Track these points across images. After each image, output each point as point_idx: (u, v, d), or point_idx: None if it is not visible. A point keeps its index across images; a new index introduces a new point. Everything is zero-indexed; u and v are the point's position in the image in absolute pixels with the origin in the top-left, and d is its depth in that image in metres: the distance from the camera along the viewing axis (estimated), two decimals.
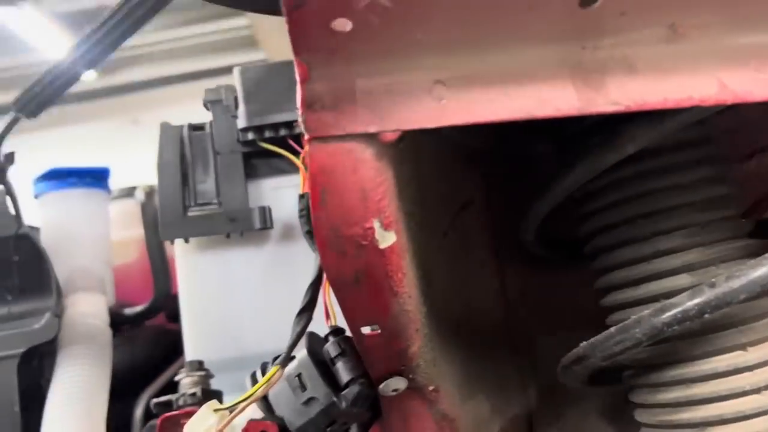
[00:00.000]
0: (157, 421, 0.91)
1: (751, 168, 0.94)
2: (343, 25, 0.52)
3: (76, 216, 1.25)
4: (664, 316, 0.64)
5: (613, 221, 0.76)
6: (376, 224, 0.57)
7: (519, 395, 0.98)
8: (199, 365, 0.95)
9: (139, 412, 1.29)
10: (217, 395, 0.94)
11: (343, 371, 0.78)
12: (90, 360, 1.09)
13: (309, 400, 0.77)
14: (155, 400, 0.97)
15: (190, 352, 1.04)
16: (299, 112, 0.55)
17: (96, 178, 1.28)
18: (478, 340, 0.93)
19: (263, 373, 0.81)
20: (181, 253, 1.06)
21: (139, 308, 1.38)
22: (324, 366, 0.80)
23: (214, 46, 7.30)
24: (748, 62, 0.55)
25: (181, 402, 0.91)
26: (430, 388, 0.82)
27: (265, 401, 0.81)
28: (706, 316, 0.63)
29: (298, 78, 0.54)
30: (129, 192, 1.52)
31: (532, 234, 0.84)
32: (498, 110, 0.55)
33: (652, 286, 0.73)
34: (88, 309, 1.19)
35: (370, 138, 0.55)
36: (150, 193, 1.41)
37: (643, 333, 0.65)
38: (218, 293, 1.05)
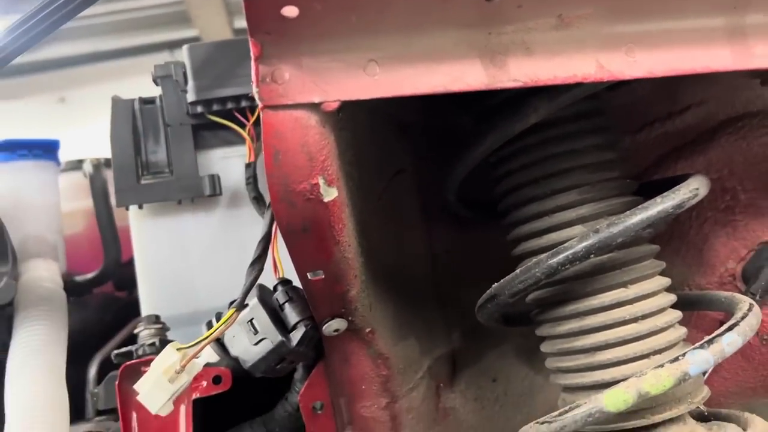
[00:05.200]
0: (117, 371, 0.99)
1: (641, 138, 1.09)
2: (291, 11, 0.62)
3: (27, 186, 1.30)
4: (558, 258, 0.78)
5: (521, 182, 0.89)
6: (321, 181, 0.68)
7: (444, 338, 1.11)
8: (156, 319, 1.03)
9: (92, 372, 1.35)
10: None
11: (291, 314, 0.89)
12: (47, 321, 1.15)
13: (260, 341, 0.88)
14: (116, 351, 1.05)
15: (147, 310, 1.12)
16: (253, 84, 0.65)
17: (45, 150, 1.32)
18: (409, 290, 1.05)
19: (217, 321, 0.91)
20: (135, 218, 1.13)
21: (89, 275, 1.44)
22: (273, 312, 0.90)
23: (146, 22, 7.10)
24: (621, 47, 0.69)
25: (140, 352, 0.99)
26: (367, 330, 0.94)
27: (219, 344, 0.91)
28: (592, 256, 0.77)
29: (252, 55, 0.64)
30: (76, 165, 1.56)
31: (453, 195, 0.97)
32: (420, 85, 0.66)
33: (552, 236, 0.87)
34: (43, 274, 1.24)
35: (315, 107, 0.66)
36: (98, 165, 1.46)
37: (541, 272, 0.79)
38: (171, 255, 1.13)
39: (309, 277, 0.79)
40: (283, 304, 0.89)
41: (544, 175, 0.87)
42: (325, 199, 0.69)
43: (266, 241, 0.86)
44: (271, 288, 0.93)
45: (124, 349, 1.03)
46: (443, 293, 1.11)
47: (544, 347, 0.91)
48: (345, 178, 0.75)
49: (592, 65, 0.68)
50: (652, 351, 0.82)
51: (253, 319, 0.88)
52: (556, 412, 0.80)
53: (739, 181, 1.02)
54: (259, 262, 0.84)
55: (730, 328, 0.75)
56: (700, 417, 0.88)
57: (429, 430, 1.09)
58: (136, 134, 1.12)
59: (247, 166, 1.12)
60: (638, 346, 0.83)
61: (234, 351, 0.88)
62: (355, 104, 0.67)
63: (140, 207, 1.12)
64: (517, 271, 0.81)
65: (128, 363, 0.99)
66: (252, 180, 1.11)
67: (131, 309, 1.64)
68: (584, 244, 0.77)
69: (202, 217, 1.14)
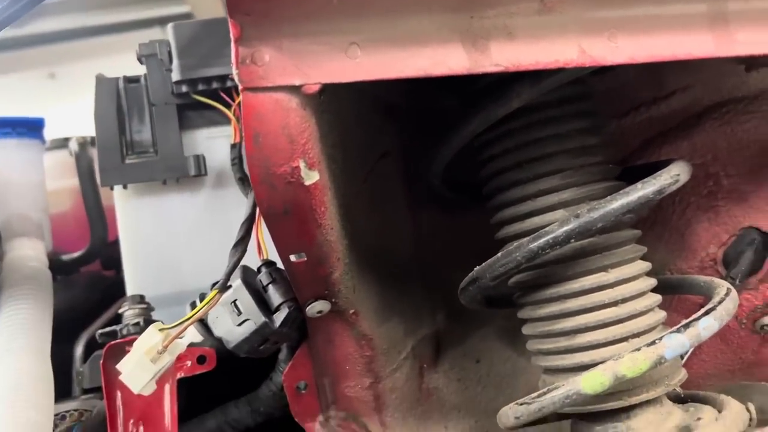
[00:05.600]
0: (102, 350, 1.00)
1: (626, 123, 1.09)
2: None
3: (10, 165, 1.29)
4: (538, 242, 0.78)
5: (505, 166, 0.90)
6: (302, 164, 0.68)
7: (429, 319, 1.12)
8: (141, 298, 1.04)
9: (79, 351, 1.36)
10: None
11: (274, 296, 0.89)
12: (32, 300, 1.15)
13: (243, 322, 0.88)
14: (100, 331, 1.05)
15: (131, 290, 1.12)
16: (233, 66, 0.64)
17: (30, 128, 1.32)
18: (394, 272, 1.06)
19: (201, 301, 0.91)
20: (120, 198, 1.13)
21: (76, 254, 1.44)
22: (257, 293, 0.91)
23: None
24: (603, 32, 0.69)
25: (125, 331, 1.00)
26: (351, 311, 0.95)
27: (203, 324, 0.92)
28: (572, 241, 0.78)
29: (232, 37, 0.64)
30: (62, 143, 1.55)
31: (439, 178, 0.97)
32: (402, 68, 0.66)
33: (535, 219, 0.87)
34: (28, 252, 1.24)
35: (295, 90, 0.65)
36: (84, 144, 1.45)
37: (522, 256, 0.79)
38: (156, 235, 1.13)
39: (292, 260, 0.79)
40: (267, 285, 0.90)
41: (527, 159, 0.87)
42: (306, 183, 0.69)
43: (249, 222, 0.86)
44: (255, 269, 0.93)
45: (108, 329, 1.03)
46: (428, 275, 1.11)
47: (526, 329, 0.92)
48: (327, 161, 0.75)
49: (574, 50, 0.67)
50: (631, 334, 0.83)
51: (236, 300, 0.89)
52: (535, 394, 0.81)
53: (722, 166, 1.03)
54: (242, 243, 0.85)
55: (706, 313, 0.76)
56: (677, 399, 0.89)
57: (412, 410, 1.10)
58: (121, 113, 1.11)
59: (233, 146, 1.12)
60: (617, 330, 0.84)
61: (217, 332, 0.89)
62: (338, 87, 0.67)
63: (125, 187, 1.12)
64: (498, 255, 0.82)
65: (112, 342, 0.99)
66: (237, 160, 1.11)
67: (118, 288, 1.64)
68: (564, 228, 0.77)
69: (187, 197, 1.14)
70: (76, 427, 1.16)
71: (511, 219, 0.90)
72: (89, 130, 1.61)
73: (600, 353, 0.83)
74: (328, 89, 0.67)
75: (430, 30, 0.66)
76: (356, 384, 1.03)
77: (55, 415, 1.18)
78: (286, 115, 0.66)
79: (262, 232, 0.94)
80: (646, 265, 0.88)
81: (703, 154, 1.04)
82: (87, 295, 1.49)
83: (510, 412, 0.84)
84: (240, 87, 0.64)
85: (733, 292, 0.81)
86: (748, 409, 0.83)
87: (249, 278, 0.92)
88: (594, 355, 0.84)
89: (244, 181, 1.11)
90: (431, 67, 0.66)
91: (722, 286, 0.84)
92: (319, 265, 0.82)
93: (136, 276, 1.13)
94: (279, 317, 0.88)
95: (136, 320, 0.99)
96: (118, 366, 0.82)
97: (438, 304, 1.12)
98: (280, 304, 0.88)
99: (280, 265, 0.97)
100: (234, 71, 0.64)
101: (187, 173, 1.10)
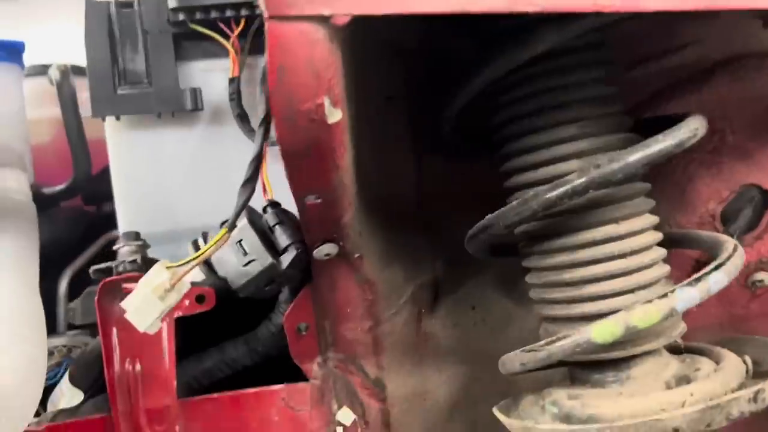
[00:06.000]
0: (96, 287, 0.97)
1: (636, 74, 1.07)
2: None
3: None
4: (557, 191, 0.77)
5: (520, 113, 0.88)
6: (326, 101, 0.65)
7: (428, 266, 1.11)
8: (136, 235, 1.01)
9: (63, 287, 1.33)
10: (154, 262, 1.01)
11: (281, 237, 0.87)
12: (18, 234, 1.11)
13: (249, 263, 0.87)
14: (94, 267, 1.02)
15: (124, 226, 1.09)
16: None
17: (9, 51, 1.24)
18: (397, 217, 1.04)
19: (205, 240, 0.89)
20: (112, 130, 1.08)
21: (58, 188, 1.39)
22: (263, 234, 0.89)
23: None
24: None
25: (120, 268, 0.97)
26: (356, 255, 0.94)
27: (206, 263, 0.90)
28: (591, 191, 0.77)
29: None
30: (40, 70, 1.47)
31: (451, 122, 0.95)
32: (438, 3, 0.63)
33: (549, 169, 0.86)
34: (11, 185, 1.19)
35: (324, 20, 0.62)
36: (65, 72, 1.38)
37: (538, 205, 0.79)
38: (150, 170, 1.09)
39: (305, 202, 0.77)
40: (274, 226, 0.88)
41: (543, 106, 0.85)
42: (330, 121, 0.67)
43: (258, 161, 0.84)
44: (261, 209, 0.91)
45: (103, 265, 1.00)
46: (429, 222, 1.10)
47: (530, 278, 0.93)
48: (348, 100, 0.72)
49: None
50: (637, 286, 0.84)
51: (242, 240, 0.87)
52: (543, 342, 0.82)
53: (728, 122, 1.03)
54: (250, 182, 0.82)
55: (716, 268, 0.77)
56: (675, 350, 0.91)
57: (408, 354, 1.11)
58: (113, 40, 1.06)
59: (231, 81, 1.07)
60: (625, 281, 0.84)
61: (222, 271, 0.87)
62: (360, 22, 0.63)
63: (117, 118, 1.07)
64: (514, 203, 0.81)
65: (108, 279, 0.97)
66: (236, 96, 1.07)
67: (100, 224, 1.60)
68: (584, 179, 0.76)
69: (182, 132, 1.10)
70: (65, 363, 1.15)
71: (523, 167, 0.89)
72: (61, 58, 1.55)
73: (607, 304, 0.84)
74: (354, 23, 0.64)
75: None
76: (356, 327, 1.04)
77: None
78: (313, 48, 0.62)
79: (266, 173, 0.91)
80: (654, 219, 0.88)
81: (711, 110, 1.03)
82: (69, 231, 1.45)
83: (516, 359, 0.85)
84: (265, 14, 0.60)
85: (740, 249, 0.82)
86: (744, 362, 0.85)
87: (254, 218, 0.89)
88: (601, 306, 0.84)
89: (242, 118, 1.08)
90: (468, 3, 0.63)
91: (729, 242, 0.84)
92: (331, 208, 0.80)
93: (129, 212, 1.09)
94: (286, 258, 0.86)
95: (132, 257, 0.96)
96: (123, 304, 0.80)
97: (438, 251, 1.12)
98: (288, 246, 0.87)
99: (284, 206, 0.95)
100: None
101: (183, 107, 1.06)
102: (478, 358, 1.15)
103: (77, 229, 1.50)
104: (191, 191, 1.10)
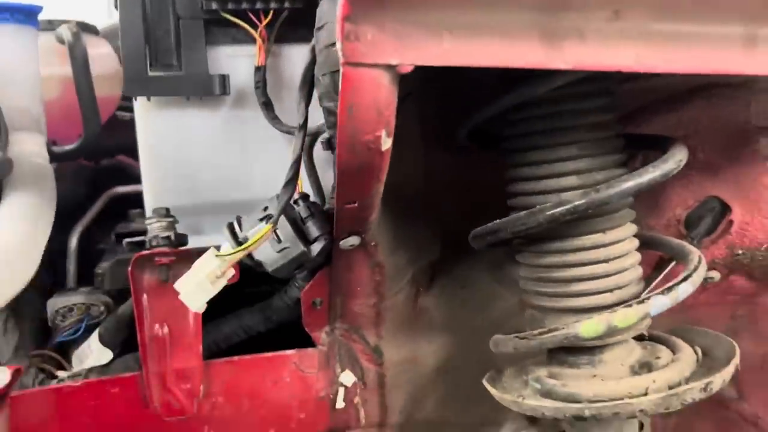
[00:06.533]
0: (124, 255, 1.06)
1: (625, 89, 1.19)
2: None
3: (9, 53, 1.24)
4: (560, 209, 0.90)
5: (530, 131, 0.99)
6: (384, 133, 0.75)
7: (428, 250, 1.24)
8: (167, 211, 1.09)
9: (73, 243, 1.39)
10: (184, 238, 1.10)
11: (312, 229, 0.98)
12: (39, 200, 1.16)
13: (283, 249, 0.97)
14: (128, 240, 1.10)
15: (150, 200, 1.16)
16: (338, 41, 0.69)
17: (27, 14, 1.26)
18: (404, 206, 1.15)
19: (239, 224, 0.99)
20: (142, 109, 1.14)
21: (69, 147, 1.42)
22: (294, 223, 0.99)
23: None
24: (658, 43, 0.78)
25: (153, 243, 1.06)
26: (372, 243, 1.06)
27: (238, 243, 0.99)
28: (590, 211, 0.90)
29: (340, 13, 0.68)
30: (47, 26, 1.48)
31: (466, 132, 1.05)
32: (485, 57, 0.73)
33: (550, 182, 0.98)
34: (32, 148, 1.23)
35: (390, 68, 0.71)
36: (77, 33, 1.39)
37: (544, 218, 0.91)
38: (175, 148, 1.16)
39: (344, 206, 0.88)
40: (306, 218, 0.98)
41: (551, 127, 0.97)
42: (383, 149, 0.77)
43: (297, 163, 0.93)
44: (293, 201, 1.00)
45: (136, 239, 1.08)
46: (431, 210, 1.22)
47: (523, 271, 1.06)
48: None
49: (631, 57, 0.76)
50: (616, 286, 0.98)
51: (277, 229, 0.96)
52: (536, 331, 0.96)
53: (700, 141, 1.17)
54: (292, 183, 0.91)
55: (684, 279, 0.93)
56: (639, 337, 1.07)
57: (404, 326, 1.25)
58: (146, 24, 1.10)
59: (257, 69, 1.14)
60: (606, 282, 0.98)
61: (258, 256, 0.97)
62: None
63: (148, 99, 1.13)
64: (522, 214, 0.94)
65: (142, 253, 1.06)
66: (261, 84, 1.14)
67: (100, 179, 1.65)
68: (585, 200, 0.89)
69: (207, 114, 1.16)
70: (85, 319, 1.23)
71: (528, 177, 1.01)
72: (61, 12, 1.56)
73: (589, 300, 0.98)
74: None
75: (515, 25, 0.73)
76: (363, 302, 1.16)
77: (63, 307, 1.24)
78: (378, 91, 0.72)
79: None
80: (634, 228, 1.02)
81: (687, 128, 1.18)
82: (75, 188, 1.50)
83: (510, 343, 1.00)
84: (341, 61, 0.69)
85: (703, 260, 0.98)
86: (695, 352, 1.02)
87: (287, 209, 0.99)
88: (584, 302, 0.99)
89: (267, 106, 1.15)
90: (511, 59, 0.73)
91: (695, 253, 1.00)
92: (365, 210, 0.91)
93: (155, 186, 1.16)
94: (316, 248, 0.97)
95: (165, 233, 1.05)
96: (177, 285, 0.90)
97: (436, 237, 1.25)
98: (318, 237, 0.97)
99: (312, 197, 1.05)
100: (338, 45, 0.69)
101: (212, 92, 1.13)
102: (463, 331, 1.30)
103: (80, 186, 1.55)
104: (212, 169, 1.18)
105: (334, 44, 0.80)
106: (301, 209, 0.99)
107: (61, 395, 1.06)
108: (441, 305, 1.27)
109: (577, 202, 0.90)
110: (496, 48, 0.73)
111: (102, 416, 1.08)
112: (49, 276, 1.40)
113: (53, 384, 1.09)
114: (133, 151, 1.77)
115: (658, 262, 1.23)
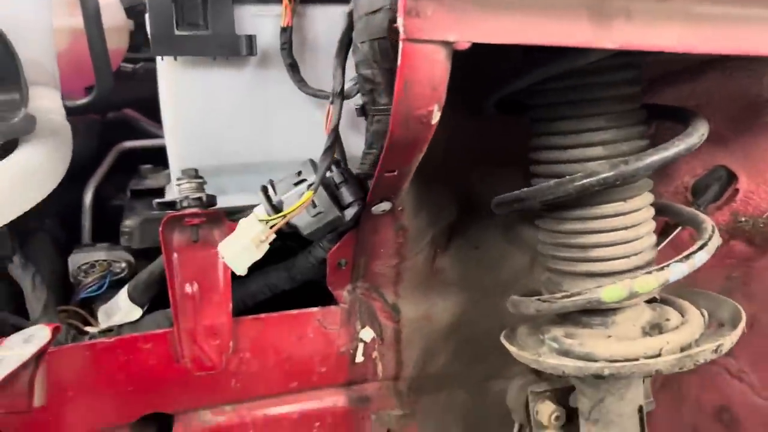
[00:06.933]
0: (157, 216, 1.07)
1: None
2: None
3: (24, 4, 1.22)
4: (590, 180, 0.94)
5: (557, 101, 1.02)
6: (435, 108, 0.77)
7: (446, 212, 1.27)
8: (195, 172, 1.10)
9: (88, 199, 1.39)
10: (213, 199, 1.11)
11: (346, 194, 1.01)
12: (54, 154, 1.14)
13: (318, 214, 0.99)
14: (158, 201, 1.11)
15: (173, 159, 1.17)
16: (399, 17, 0.70)
17: None
18: (427, 172, 1.18)
19: (273, 188, 1.01)
20: (166, 69, 1.13)
21: (81, 102, 1.40)
22: (328, 188, 1.01)
23: None
24: (698, 24, 0.80)
25: (184, 204, 1.07)
26: (399, 208, 1.09)
27: (273, 207, 1.01)
28: (618, 182, 0.94)
29: None
30: None
31: (494, 102, 1.08)
32: (537, 35, 0.75)
33: (576, 152, 1.02)
34: (49, 104, 1.22)
35: (447, 45, 0.73)
36: None
37: (573, 188, 0.95)
38: (200, 109, 1.15)
39: (384, 174, 0.90)
40: (340, 184, 1.00)
41: (578, 99, 1.00)
42: (433, 122, 0.79)
43: (336, 131, 0.94)
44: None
45: (166, 200, 1.10)
46: (450, 174, 1.25)
47: (542, 236, 1.11)
48: None
49: (674, 38, 0.79)
50: (633, 253, 1.04)
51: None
52: (559, 294, 1.01)
53: (712, 112, 1.20)
54: (330, 150, 0.93)
55: (701, 248, 0.98)
56: (648, 300, 1.14)
57: (420, 285, 1.29)
58: None
59: (283, 30, 1.13)
60: (623, 249, 1.03)
61: (293, 221, 0.99)
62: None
63: (175, 58, 1.12)
64: (552, 182, 0.97)
65: (172, 214, 1.07)
66: (288, 46, 1.13)
67: (107, 132, 1.64)
68: (614, 172, 0.93)
69: (232, 74, 1.16)
70: (108, 275, 1.25)
71: (553, 146, 1.04)
72: None
73: (607, 265, 1.03)
74: None
75: (567, 4, 0.75)
76: (385, 263, 1.20)
77: (85, 263, 1.26)
78: (434, 67, 0.73)
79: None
80: (651, 197, 1.07)
81: (699, 98, 1.21)
82: (86, 141, 1.49)
83: (531, 305, 1.05)
84: (401, 37, 0.71)
85: (717, 230, 1.03)
86: (702, 314, 1.08)
87: None
88: (602, 267, 1.04)
89: (293, 67, 1.15)
90: (561, 37, 0.75)
91: (708, 222, 1.05)
92: (401, 178, 0.94)
93: (180, 146, 1.16)
94: (350, 213, 1.00)
95: (196, 195, 1.06)
96: (220, 248, 0.92)
97: (454, 200, 1.28)
98: (352, 202, 1.00)
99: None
100: (399, 21, 0.70)
101: (239, 53, 1.12)
102: (476, 290, 1.35)
103: (92, 139, 1.54)
104: (236, 129, 1.18)
105: (375, 11, 0.81)
106: (336, 175, 1.01)
107: (95, 351, 1.09)
108: (456, 265, 1.32)
109: (606, 174, 0.94)
110: (547, 27, 0.75)
111: (134, 371, 1.11)
112: (64, 232, 1.40)
113: (86, 340, 1.11)
114: (138, 105, 1.76)
115: (664, 227, 1.29)
